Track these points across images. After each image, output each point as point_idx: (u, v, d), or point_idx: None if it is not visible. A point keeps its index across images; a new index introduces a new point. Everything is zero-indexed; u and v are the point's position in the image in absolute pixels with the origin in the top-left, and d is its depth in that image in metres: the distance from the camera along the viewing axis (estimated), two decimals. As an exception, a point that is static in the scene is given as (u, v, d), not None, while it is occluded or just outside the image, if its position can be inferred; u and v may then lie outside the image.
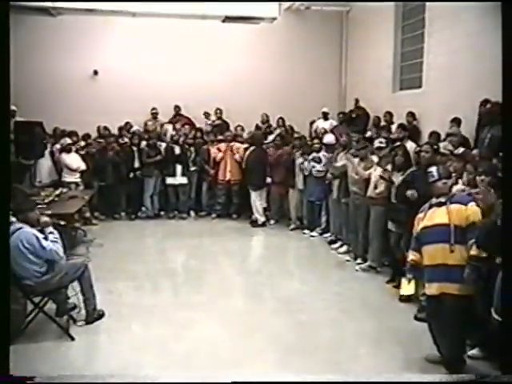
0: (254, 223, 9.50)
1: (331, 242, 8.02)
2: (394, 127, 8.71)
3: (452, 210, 3.98)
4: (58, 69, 11.40)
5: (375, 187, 6.40)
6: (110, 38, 11.57)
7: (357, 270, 6.80)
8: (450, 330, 4.00)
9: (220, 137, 10.18)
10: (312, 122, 11.39)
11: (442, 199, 4.11)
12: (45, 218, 4.93)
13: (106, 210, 9.80)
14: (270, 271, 6.93)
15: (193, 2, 7.87)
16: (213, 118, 11.73)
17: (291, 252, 8.18)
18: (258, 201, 9.48)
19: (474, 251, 3.86)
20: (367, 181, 6.58)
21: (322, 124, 11.07)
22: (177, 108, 11.70)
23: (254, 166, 9.43)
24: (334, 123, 11.00)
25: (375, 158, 6.82)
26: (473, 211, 3.96)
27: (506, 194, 3.08)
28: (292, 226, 9.18)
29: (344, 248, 7.60)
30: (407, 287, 4.58)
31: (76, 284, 5.02)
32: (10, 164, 7.65)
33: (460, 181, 5.01)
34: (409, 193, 5.18)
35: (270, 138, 9.80)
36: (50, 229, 4.86)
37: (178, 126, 10.93)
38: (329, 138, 8.42)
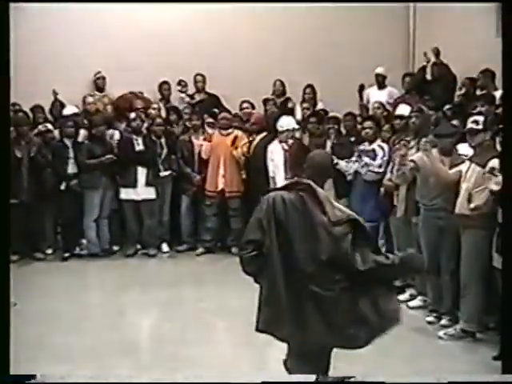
0: None
1: (396, 291, 7.77)
2: (498, 95, 8.55)
3: None
4: None
5: (469, 199, 6.36)
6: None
7: (440, 338, 6.74)
8: None
9: (208, 119, 10.26)
10: (361, 89, 11.39)
11: None
12: None
13: (19, 245, 9.72)
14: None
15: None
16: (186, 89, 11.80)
17: None
18: None
19: None
20: (455, 188, 6.59)
21: (375, 94, 11.12)
22: (165, 85, 11.85)
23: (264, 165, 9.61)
24: (395, 93, 11.07)
25: (468, 149, 6.79)
26: None
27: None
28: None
29: (418, 300, 7.68)
30: None
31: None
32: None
33: None
34: None
35: (283, 121, 9.62)
36: None
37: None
38: (403, 109, 8.37)
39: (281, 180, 9.24)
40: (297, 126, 9.68)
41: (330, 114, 9.67)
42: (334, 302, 4.35)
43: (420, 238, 7.24)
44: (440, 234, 6.90)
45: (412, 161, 7.11)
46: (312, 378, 4.53)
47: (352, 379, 3.87)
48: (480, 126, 6.71)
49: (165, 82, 11.73)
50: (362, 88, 11.41)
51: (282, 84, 11.60)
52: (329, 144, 9.04)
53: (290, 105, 11.22)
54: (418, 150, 7.37)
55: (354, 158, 8.57)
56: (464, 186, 6.44)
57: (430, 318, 7.11)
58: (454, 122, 7.49)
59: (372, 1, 11.94)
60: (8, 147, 4.66)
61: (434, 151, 6.98)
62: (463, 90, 9.86)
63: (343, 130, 9.59)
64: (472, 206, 6.30)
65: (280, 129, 9.58)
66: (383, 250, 8.28)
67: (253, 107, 10.79)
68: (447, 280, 6.85)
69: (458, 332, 6.64)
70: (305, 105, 10.97)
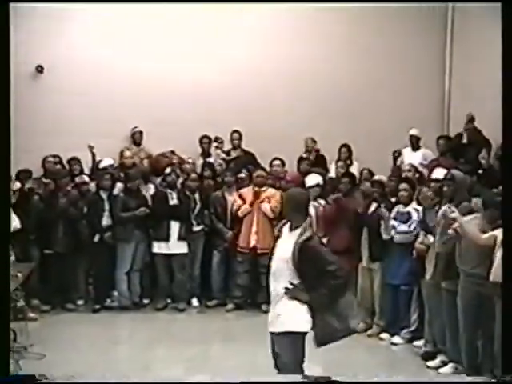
0: None
1: (427, 356, 7.88)
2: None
3: None
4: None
5: None
6: (66, 23, 11.74)
7: (474, 408, 6.72)
8: None
9: (240, 175, 10.30)
10: (398, 155, 11.37)
11: None
12: None
13: (52, 295, 9.82)
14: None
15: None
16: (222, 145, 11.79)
17: (359, 369, 7.87)
18: None
19: None
20: (491, 254, 6.46)
21: (409, 156, 11.04)
22: (205, 139, 11.77)
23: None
24: (430, 154, 11.01)
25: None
26: None
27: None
28: (359, 326, 8.85)
29: (449, 367, 7.45)
30: None
31: None
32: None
33: None
34: None
35: (308, 178, 9.77)
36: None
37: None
38: (439, 173, 8.38)
39: None
40: (321, 182, 9.70)
41: (375, 177, 9.48)
42: None
43: (457, 304, 7.10)
44: (478, 299, 6.79)
45: (453, 229, 7.02)
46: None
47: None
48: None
49: (205, 136, 11.65)
50: (398, 155, 11.31)
51: (314, 141, 11.53)
52: (373, 206, 8.90)
53: (323, 162, 11.23)
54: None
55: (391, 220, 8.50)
56: (498, 253, 6.29)
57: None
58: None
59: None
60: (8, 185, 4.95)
61: (468, 217, 6.92)
62: (498, 155, 9.77)
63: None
64: (507, 273, 6.20)
65: (307, 186, 9.61)
66: (416, 314, 8.39)
67: (283, 164, 10.73)
68: (487, 346, 6.76)
69: (493, 402, 6.51)
70: (339, 163, 10.94)
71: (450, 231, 7.01)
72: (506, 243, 4.70)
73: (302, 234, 5.39)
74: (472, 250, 6.81)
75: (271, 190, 9.95)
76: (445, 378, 7.18)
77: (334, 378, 7.07)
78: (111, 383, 4.35)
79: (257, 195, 9.92)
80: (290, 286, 5.41)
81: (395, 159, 11.28)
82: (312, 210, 9.23)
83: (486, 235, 6.59)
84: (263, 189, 9.96)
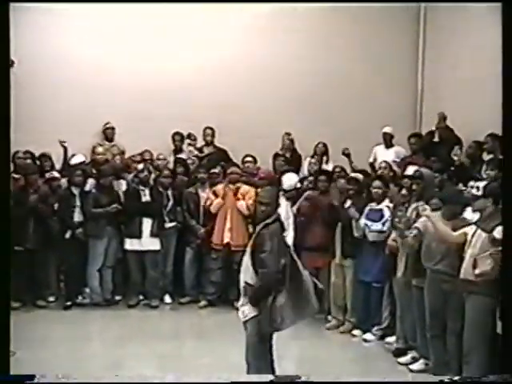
0: None
1: (398, 353, 7.91)
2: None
3: None
4: None
5: (474, 264, 6.27)
6: (39, 15, 11.66)
7: (442, 404, 6.51)
8: None
9: (214, 170, 10.24)
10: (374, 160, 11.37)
11: None
12: None
13: (22, 292, 9.73)
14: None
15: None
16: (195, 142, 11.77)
17: (330, 366, 7.91)
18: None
19: None
20: (459, 252, 6.51)
21: (382, 153, 11.06)
22: (177, 136, 11.77)
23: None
24: (403, 152, 11.04)
25: (471, 214, 6.80)
26: None
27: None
28: (331, 323, 9.16)
29: (420, 363, 7.51)
30: None
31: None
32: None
33: None
34: None
35: (286, 180, 9.69)
36: None
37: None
38: (412, 171, 8.43)
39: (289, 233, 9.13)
40: (298, 185, 9.72)
41: (351, 175, 9.51)
42: None
43: (424, 300, 7.14)
44: (445, 297, 6.83)
45: (416, 228, 7.11)
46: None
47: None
48: (480, 192, 6.71)
49: (177, 133, 11.65)
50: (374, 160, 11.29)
51: (290, 138, 11.56)
52: (348, 203, 8.84)
53: (298, 160, 11.27)
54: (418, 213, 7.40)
55: (363, 218, 8.51)
56: (469, 251, 6.34)
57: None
58: (461, 186, 7.46)
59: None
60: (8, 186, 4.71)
61: (436, 214, 6.95)
62: (468, 153, 9.83)
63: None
64: (477, 271, 6.20)
65: (285, 188, 9.61)
66: (387, 311, 8.41)
67: (255, 161, 10.74)
68: (453, 342, 6.75)
69: (460, 398, 6.53)
70: (312, 160, 10.90)
71: (415, 231, 7.09)
72: (506, 242, 4.73)
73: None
74: (434, 247, 6.88)
75: (245, 187, 9.93)
76: (423, 378, 7.15)
77: (306, 375, 7.13)
78: (109, 383, 4.38)
79: (230, 192, 9.90)
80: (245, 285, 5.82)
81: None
82: (288, 210, 9.36)
83: (456, 233, 6.60)
84: (237, 185, 9.94)
